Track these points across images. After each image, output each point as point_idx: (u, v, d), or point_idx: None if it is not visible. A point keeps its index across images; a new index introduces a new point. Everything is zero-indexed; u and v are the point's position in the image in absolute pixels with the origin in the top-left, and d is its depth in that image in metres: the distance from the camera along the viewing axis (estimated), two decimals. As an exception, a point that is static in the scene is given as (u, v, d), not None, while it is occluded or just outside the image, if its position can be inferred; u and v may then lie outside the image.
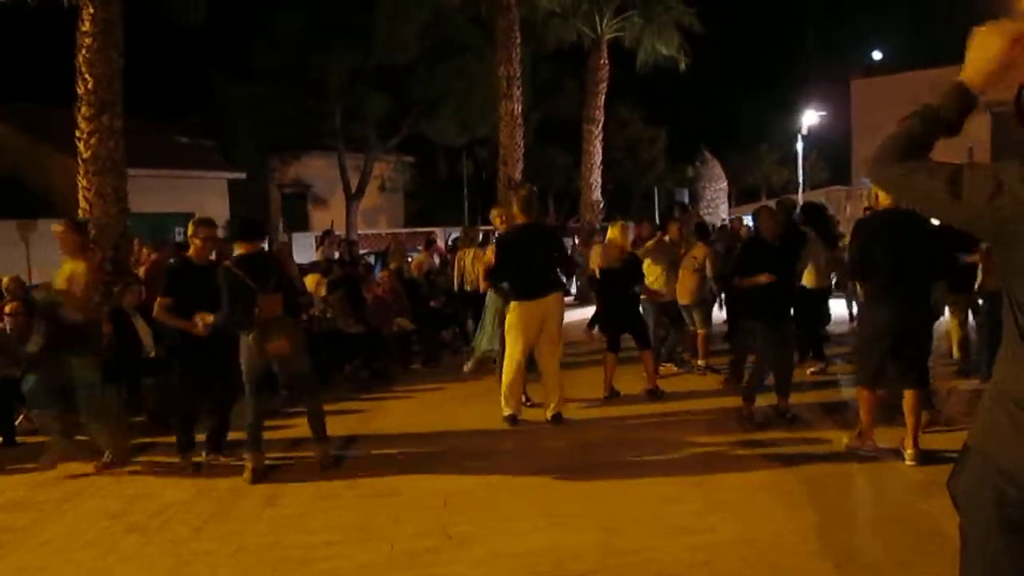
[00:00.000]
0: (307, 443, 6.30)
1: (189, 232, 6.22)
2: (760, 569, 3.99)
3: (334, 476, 5.76)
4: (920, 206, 2.16)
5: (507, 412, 7.03)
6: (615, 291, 7.85)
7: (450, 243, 18.29)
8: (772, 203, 10.27)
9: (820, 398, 7.46)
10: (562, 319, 7.17)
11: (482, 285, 8.56)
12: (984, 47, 2.02)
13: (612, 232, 8.02)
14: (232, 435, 6.35)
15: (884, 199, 5.50)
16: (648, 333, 8.18)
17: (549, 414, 7.03)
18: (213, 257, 6.39)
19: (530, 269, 6.95)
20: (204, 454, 6.21)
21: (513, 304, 7.05)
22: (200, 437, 6.28)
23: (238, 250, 5.84)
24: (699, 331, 9.08)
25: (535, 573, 4.06)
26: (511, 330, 7.05)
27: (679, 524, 4.58)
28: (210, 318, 5.84)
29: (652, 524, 4.60)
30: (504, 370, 7.15)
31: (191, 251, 6.21)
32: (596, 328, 8.05)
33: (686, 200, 28.33)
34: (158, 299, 6.12)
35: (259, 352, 5.64)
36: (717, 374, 8.56)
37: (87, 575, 4.29)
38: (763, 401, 6.82)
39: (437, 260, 14.24)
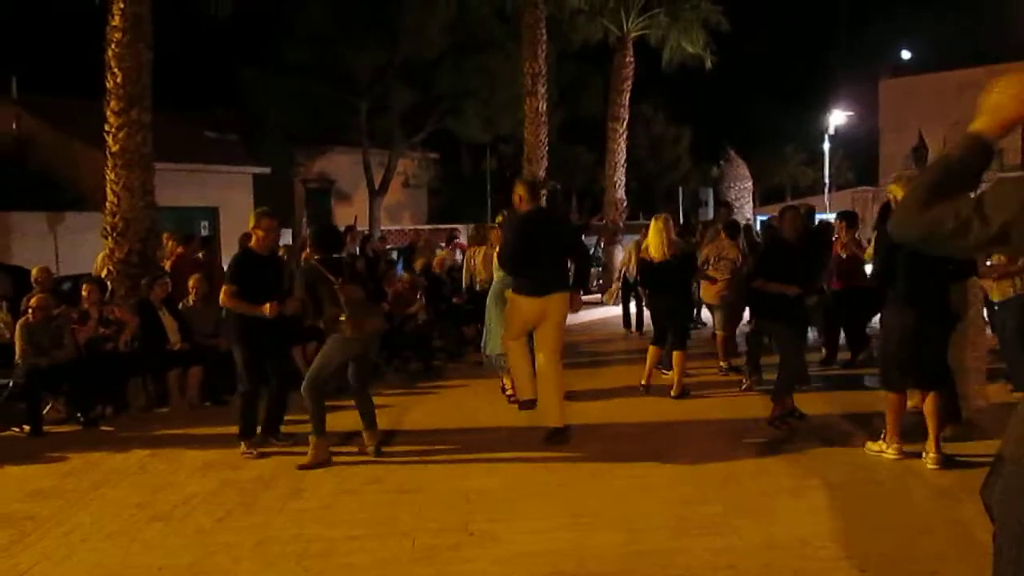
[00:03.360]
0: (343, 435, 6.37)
1: (251, 224, 6.47)
2: (784, 573, 3.96)
3: (357, 471, 5.78)
4: (956, 249, 2.06)
5: (522, 397, 6.64)
6: (668, 285, 7.78)
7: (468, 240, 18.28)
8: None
9: (845, 403, 7.38)
10: (564, 322, 6.57)
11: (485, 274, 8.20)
12: (1006, 93, 2.02)
13: (656, 225, 7.84)
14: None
15: None
16: (686, 336, 8.11)
17: (546, 429, 6.42)
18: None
19: (535, 261, 6.36)
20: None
21: (511, 295, 6.59)
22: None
23: (316, 256, 6.19)
24: (719, 332, 9.03)
25: (557, 572, 4.05)
26: (508, 323, 6.67)
27: (702, 526, 4.56)
28: (276, 308, 6.15)
29: (675, 526, 4.58)
30: (508, 358, 6.83)
31: (253, 242, 6.44)
32: (632, 328, 8.02)
33: (710, 200, 28.18)
34: (224, 287, 6.32)
35: (357, 330, 5.87)
36: (740, 374, 8.50)
37: (111, 563, 4.33)
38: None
39: (459, 256, 14.24)
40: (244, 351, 6.30)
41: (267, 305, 6.11)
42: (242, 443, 6.30)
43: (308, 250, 6.29)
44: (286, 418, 6.66)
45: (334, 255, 6.22)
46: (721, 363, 8.96)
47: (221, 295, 6.36)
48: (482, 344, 7.98)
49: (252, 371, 6.33)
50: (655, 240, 7.77)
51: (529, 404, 6.62)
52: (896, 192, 5.49)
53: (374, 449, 6.13)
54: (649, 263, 7.90)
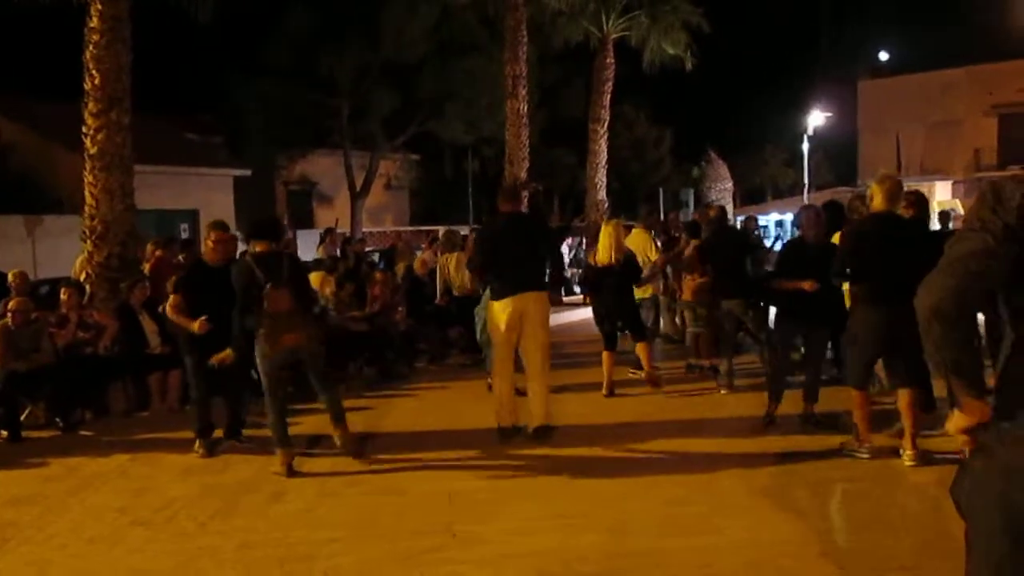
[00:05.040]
0: (309, 439, 6.36)
1: (204, 235, 6.43)
2: (765, 571, 3.99)
3: (339, 473, 5.77)
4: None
5: (500, 423, 6.44)
6: (608, 289, 7.86)
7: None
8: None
9: (826, 402, 7.41)
10: (546, 321, 6.54)
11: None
12: None
13: (604, 231, 7.98)
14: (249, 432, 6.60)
15: (879, 202, 5.47)
16: (643, 326, 8.20)
17: (531, 427, 6.45)
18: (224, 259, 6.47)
19: (508, 262, 6.33)
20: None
21: (489, 303, 6.53)
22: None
23: (255, 248, 5.89)
24: (701, 331, 9.07)
25: (540, 573, 4.06)
26: (492, 334, 6.58)
27: (685, 526, 4.59)
28: (206, 326, 6.03)
29: (659, 525, 4.60)
30: (493, 380, 6.66)
31: (204, 252, 6.40)
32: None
33: (691, 201, 28.32)
34: (170, 296, 6.30)
35: (271, 345, 5.66)
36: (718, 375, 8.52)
37: (93, 569, 4.30)
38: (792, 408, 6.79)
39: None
40: (191, 358, 6.32)
41: (197, 322, 6.08)
42: (196, 440, 6.37)
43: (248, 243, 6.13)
44: (259, 421, 6.66)
45: (276, 249, 5.94)
46: (704, 362, 8.99)
47: (167, 305, 6.36)
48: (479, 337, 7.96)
49: (201, 378, 6.33)
50: (603, 244, 7.88)
51: (507, 432, 6.41)
52: (875, 191, 5.48)
53: (342, 446, 6.06)
54: (593, 267, 8.00)
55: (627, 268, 7.87)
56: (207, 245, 6.34)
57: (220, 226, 6.46)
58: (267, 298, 5.62)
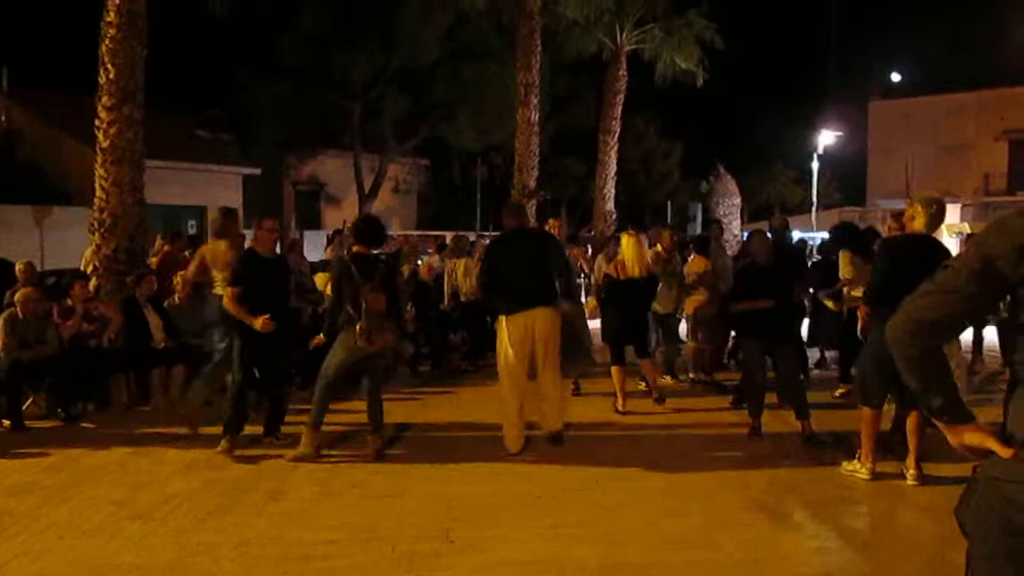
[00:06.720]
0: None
1: (254, 226, 6.67)
2: (763, 588, 3.98)
3: (339, 475, 5.77)
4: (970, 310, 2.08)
5: (510, 449, 6.28)
6: (630, 304, 7.81)
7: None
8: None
9: (826, 420, 7.41)
10: (558, 335, 6.47)
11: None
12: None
13: (627, 244, 7.84)
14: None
15: (920, 224, 5.42)
16: (648, 342, 8.27)
17: (547, 432, 6.52)
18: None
19: (517, 278, 6.30)
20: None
21: (500, 319, 6.47)
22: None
23: (354, 248, 6.26)
24: (704, 346, 9.09)
25: (536, 581, 4.06)
26: (501, 351, 6.40)
27: (683, 539, 4.57)
28: (269, 324, 6.16)
29: (656, 538, 4.59)
30: (502, 399, 6.47)
31: (256, 242, 6.57)
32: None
33: (698, 215, 28.27)
34: (228, 289, 6.42)
35: (367, 343, 5.92)
36: (725, 390, 8.51)
37: (89, 561, 4.30)
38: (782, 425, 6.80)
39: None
40: (242, 341, 6.35)
41: (259, 320, 6.15)
42: (225, 437, 6.26)
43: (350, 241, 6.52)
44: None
45: (372, 252, 6.26)
46: (703, 376, 9.01)
47: (224, 297, 6.47)
48: None
49: (247, 363, 6.38)
50: (630, 257, 7.70)
51: (516, 455, 6.28)
52: (919, 212, 5.40)
53: (374, 453, 6.15)
54: (616, 279, 7.74)
55: (651, 283, 7.90)
56: (261, 234, 6.50)
57: (272, 218, 6.73)
58: (366, 298, 5.90)
